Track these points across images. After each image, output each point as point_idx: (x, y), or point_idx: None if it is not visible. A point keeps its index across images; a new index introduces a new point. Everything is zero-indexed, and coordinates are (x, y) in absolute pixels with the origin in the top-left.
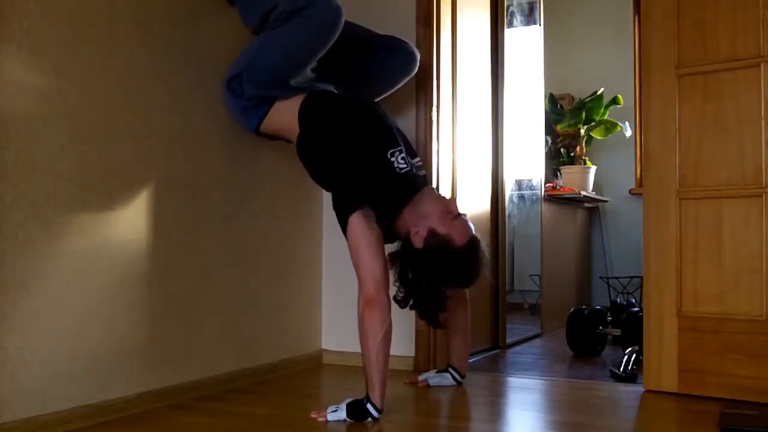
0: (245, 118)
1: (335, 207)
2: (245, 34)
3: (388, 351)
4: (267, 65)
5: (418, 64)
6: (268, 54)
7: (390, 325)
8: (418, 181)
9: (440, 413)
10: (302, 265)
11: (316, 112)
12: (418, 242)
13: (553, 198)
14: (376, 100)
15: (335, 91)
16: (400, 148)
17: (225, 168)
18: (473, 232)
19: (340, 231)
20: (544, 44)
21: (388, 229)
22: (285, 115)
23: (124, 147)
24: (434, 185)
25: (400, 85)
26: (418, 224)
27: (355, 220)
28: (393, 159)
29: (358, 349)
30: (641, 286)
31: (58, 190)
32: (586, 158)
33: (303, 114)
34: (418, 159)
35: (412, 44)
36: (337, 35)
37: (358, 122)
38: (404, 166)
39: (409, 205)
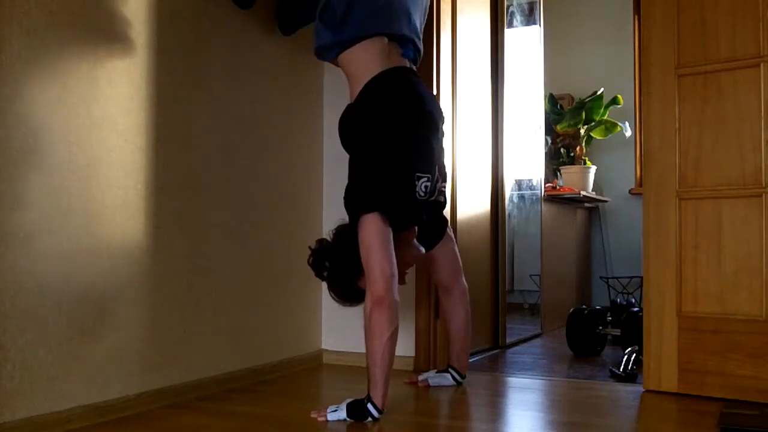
0: (331, 38)
1: (347, 199)
2: (246, 33)
3: (394, 351)
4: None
5: None
6: None
7: (397, 326)
8: (431, 208)
9: (440, 413)
10: (302, 265)
11: (379, 98)
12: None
13: (553, 198)
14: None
15: (415, 77)
16: (428, 176)
17: (225, 168)
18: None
19: None
20: (544, 44)
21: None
22: (360, 69)
23: (124, 146)
24: None
25: None
26: None
27: (370, 217)
28: (417, 183)
29: (358, 349)
30: (641, 286)
31: (58, 190)
32: (586, 158)
33: (369, 88)
34: (444, 184)
35: None
36: None
37: (405, 131)
38: (423, 194)
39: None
